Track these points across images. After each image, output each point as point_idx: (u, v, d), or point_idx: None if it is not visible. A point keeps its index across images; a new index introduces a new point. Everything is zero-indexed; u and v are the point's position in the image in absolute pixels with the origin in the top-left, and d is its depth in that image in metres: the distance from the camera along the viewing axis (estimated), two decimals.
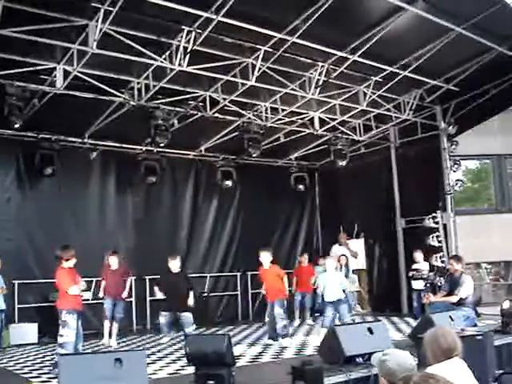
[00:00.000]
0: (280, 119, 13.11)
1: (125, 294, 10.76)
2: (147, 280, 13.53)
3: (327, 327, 10.28)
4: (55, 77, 9.71)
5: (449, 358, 3.76)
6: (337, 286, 10.41)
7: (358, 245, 15.73)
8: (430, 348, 3.85)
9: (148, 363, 6.74)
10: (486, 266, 17.68)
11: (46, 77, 9.91)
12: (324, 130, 13.96)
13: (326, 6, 8.53)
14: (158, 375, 7.64)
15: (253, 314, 15.19)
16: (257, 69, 10.39)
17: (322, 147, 15.19)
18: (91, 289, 10.83)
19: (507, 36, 10.52)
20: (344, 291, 10.66)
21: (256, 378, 7.28)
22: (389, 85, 12.04)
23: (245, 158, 14.37)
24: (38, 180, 12.59)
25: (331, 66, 11.06)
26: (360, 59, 10.65)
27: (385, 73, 11.57)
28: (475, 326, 8.86)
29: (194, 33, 9.15)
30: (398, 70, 11.43)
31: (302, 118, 13.51)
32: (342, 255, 13.52)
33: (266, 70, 10.60)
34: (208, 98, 11.77)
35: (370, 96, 12.36)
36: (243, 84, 10.98)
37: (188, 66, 9.69)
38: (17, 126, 9.97)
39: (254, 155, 13.01)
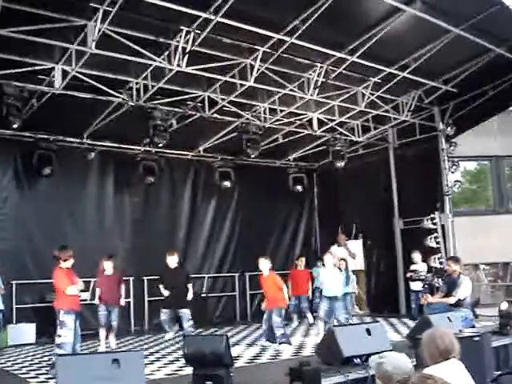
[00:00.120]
0: (278, 120, 13.11)
1: (122, 302, 10.55)
2: (145, 280, 13.52)
3: (322, 318, 10.47)
4: (53, 77, 9.71)
5: (446, 359, 3.76)
6: (334, 283, 10.50)
7: (356, 246, 15.71)
8: (428, 349, 3.85)
9: (146, 364, 6.74)
10: (484, 267, 17.70)
11: (44, 77, 9.90)
12: (322, 131, 13.97)
13: (324, 7, 8.54)
14: (155, 376, 7.63)
15: (251, 315, 15.18)
16: (255, 69, 10.39)
17: (320, 148, 15.20)
18: (89, 289, 10.79)
19: (506, 37, 10.53)
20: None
21: (254, 378, 7.27)
22: (387, 86, 12.05)
23: (243, 158, 14.39)
24: (35, 180, 12.57)
25: (330, 67, 11.06)
26: (359, 60, 10.65)
27: (383, 74, 11.58)
28: (473, 327, 8.85)
29: (192, 33, 9.15)
30: (396, 71, 11.44)
31: (300, 119, 13.52)
32: (342, 259, 13.53)
33: (265, 71, 10.60)
34: (206, 99, 11.77)
35: (369, 97, 12.37)
36: (242, 85, 10.98)
37: (187, 66, 9.68)
38: (15, 126, 9.96)
39: (252, 156, 13.01)
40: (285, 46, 9.75)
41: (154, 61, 9.57)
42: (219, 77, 10.78)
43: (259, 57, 10.16)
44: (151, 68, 10.07)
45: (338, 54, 10.52)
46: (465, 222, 15.22)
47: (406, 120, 13.75)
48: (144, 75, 10.42)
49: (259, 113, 12.84)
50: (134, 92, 10.83)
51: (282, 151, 15.70)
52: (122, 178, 13.84)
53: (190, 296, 11.01)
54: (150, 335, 12.09)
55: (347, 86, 12.14)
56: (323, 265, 11.11)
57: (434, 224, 13.69)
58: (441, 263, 13.14)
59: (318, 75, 11.16)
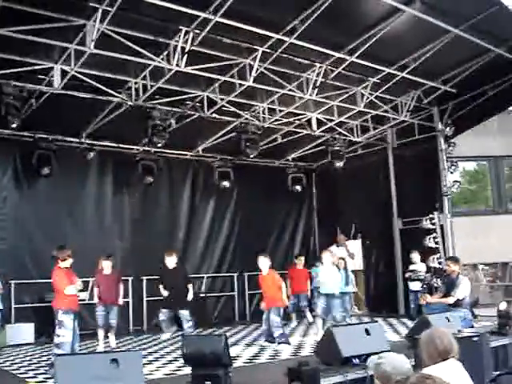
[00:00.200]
0: (277, 120, 13.11)
1: (120, 302, 10.54)
2: (144, 280, 13.53)
3: (319, 316, 10.54)
4: (53, 76, 9.70)
5: (445, 359, 3.76)
6: (332, 280, 10.55)
7: (355, 246, 15.72)
8: (426, 349, 3.85)
9: (144, 364, 6.74)
10: (483, 267, 17.72)
11: (43, 76, 9.90)
12: (321, 131, 13.97)
13: (324, 7, 8.55)
14: (154, 376, 7.62)
15: (250, 315, 15.18)
16: (254, 69, 10.39)
17: (319, 148, 15.20)
18: (88, 289, 10.78)
19: (505, 37, 10.54)
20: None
21: (253, 378, 7.27)
22: (386, 86, 12.05)
23: (242, 158, 14.38)
24: (35, 180, 12.57)
25: (329, 67, 11.06)
26: (358, 60, 10.66)
27: (382, 74, 11.58)
28: (472, 327, 8.86)
29: (191, 33, 9.15)
30: (395, 72, 11.44)
31: (299, 119, 13.52)
32: (341, 258, 13.54)
33: (264, 71, 10.60)
34: (205, 99, 11.77)
35: (368, 97, 12.37)
36: (241, 84, 10.98)
37: (186, 66, 9.68)
38: (14, 125, 9.95)
39: (251, 156, 13.00)
40: (284, 46, 9.76)
41: (153, 61, 9.57)
42: (218, 77, 10.78)
43: (258, 57, 10.16)
44: (150, 68, 10.08)
45: (337, 54, 10.52)
46: (464, 222, 15.24)
47: (405, 120, 13.75)
48: (143, 75, 10.42)
49: (258, 113, 12.84)
50: (133, 92, 10.83)
51: (281, 151, 15.71)
52: (120, 177, 13.85)
53: (189, 297, 10.99)
54: (149, 335, 12.09)
55: (346, 86, 12.14)
56: (321, 263, 11.15)
57: (433, 224, 13.69)
58: (440, 263, 13.15)
59: (317, 75, 11.16)
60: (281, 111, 12.79)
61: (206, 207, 15.37)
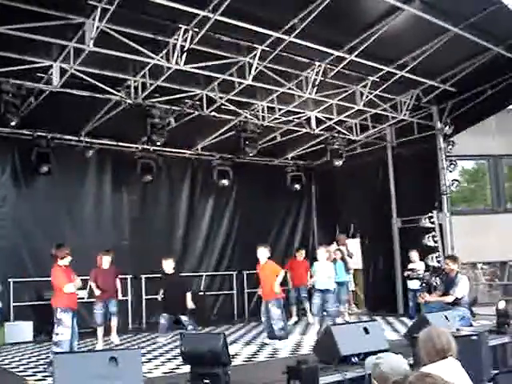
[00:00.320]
0: (277, 118, 13.11)
1: (119, 295, 10.53)
2: (143, 279, 13.53)
3: (315, 314, 10.60)
4: (51, 74, 9.70)
5: (443, 358, 3.76)
6: (326, 276, 10.60)
7: (353, 244, 15.73)
8: (425, 348, 3.85)
9: (143, 362, 6.73)
10: (481, 266, 17.72)
11: (42, 74, 9.88)
12: (321, 130, 13.97)
13: (323, 6, 8.54)
14: (153, 374, 7.64)
15: (248, 314, 15.19)
16: (254, 68, 10.38)
17: (318, 147, 15.20)
18: (86, 287, 10.77)
19: (504, 37, 10.53)
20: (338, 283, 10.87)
21: (251, 377, 7.27)
22: (386, 85, 12.06)
23: (241, 157, 14.38)
24: (33, 178, 12.56)
25: (328, 66, 11.06)
26: (357, 59, 10.66)
27: (381, 73, 11.58)
28: (470, 326, 8.87)
29: (191, 31, 9.13)
30: (394, 70, 11.45)
31: (298, 118, 13.52)
32: (337, 249, 13.55)
33: (263, 69, 10.60)
34: (205, 97, 11.76)
35: (367, 96, 12.36)
36: (240, 83, 10.97)
37: (185, 64, 9.67)
38: (13, 123, 9.92)
39: (250, 154, 13.00)
40: (283, 45, 9.76)
41: (153, 59, 9.56)
42: (217, 75, 10.78)
43: (257, 55, 10.15)
44: (149, 66, 10.07)
45: (337, 53, 10.52)
46: (463, 221, 15.22)
47: (404, 119, 13.76)
48: (142, 73, 10.41)
49: (257, 111, 12.84)
50: (132, 90, 10.82)
51: (281, 150, 15.70)
52: (119, 176, 13.84)
53: (189, 304, 10.63)
54: (148, 333, 12.08)
55: (345, 85, 12.13)
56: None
57: (432, 223, 13.69)
58: (439, 262, 13.15)
59: (317, 74, 11.16)
60: (280, 110, 12.79)
61: (205, 206, 15.37)
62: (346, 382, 6.31)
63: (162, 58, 9.57)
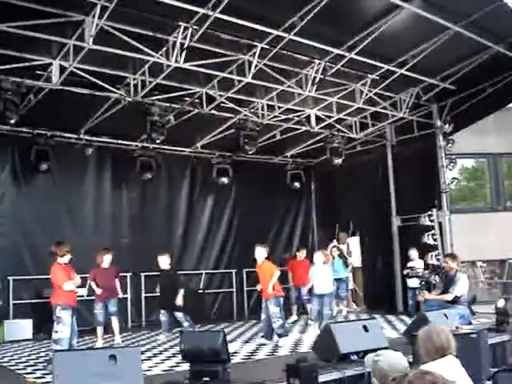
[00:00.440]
0: (276, 116, 13.11)
1: (120, 294, 10.44)
2: (142, 276, 13.53)
3: (314, 319, 10.68)
4: (51, 72, 9.69)
5: (442, 356, 3.76)
6: (324, 279, 10.64)
7: (353, 243, 15.74)
8: (424, 346, 3.85)
9: (143, 360, 6.74)
10: (481, 264, 17.73)
11: (41, 72, 9.87)
12: (320, 128, 13.97)
13: (323, 4, 8.52)
14: (152, 372, 7.64)
15: (248, 311, 15.19)
16: (253, 66, 10.37)
17: (318, 145, 15.20)
18: (86, 285, 10.77)
19: (504, 35, 10.53)
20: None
21: (251, 374, 7.25)
22: (385, 83, 12.05)
23: (241, 155, 14.37)
24: (33, 176, 12.55)
25: (328, 64, 11.05)
26: (357, 57, 10.65)
27: (381, 71, 11.57)
28: (470, 324, 8.88)
29: (190, 29, 9.12)
30: (394, 68, 11.44)
31: (298, 116, 13.51)
32: (334, 246, 13.52)
33: (263, 67, 10.59)
34: (204, 95, 11.75)
35: (367, 94, 12.36)
36: (240, 81, 10.96)
37: (184, 62, 9.66)
38: (12, 121, 9.92)
39: (250, 152, 12.99)
40: (283, 43, 9.74)
41: (152, 56, 9.55)
42: (217, 73, 10.77)
43: (257, 53, 10.14)
44: (149, 64, 10.06)
45: (336, 51, 10.51)
46: (462, 220, 15.23)
47: (403, 117, 13.74)
48: (142, 71, 10.40)
49: (257, 109, 12.83)
50: (132, 88, 10.81)
51: (280, 148, 15.69)
52: (119, 174, 13.83)
53: (179, 301, 10.63)
54: (148, 331, 12.08)
55: (345, 83, 12.12)
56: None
57: (432, 221, 13.68)
58: (438, 260, 13.15)
59: (316, 72, 11.15)
60: (280, 108, 12.78)
61: (204, 204, 15.36)
62: (346, 379, 6.31)
63: (161, 55, 9.56)
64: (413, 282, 12.92)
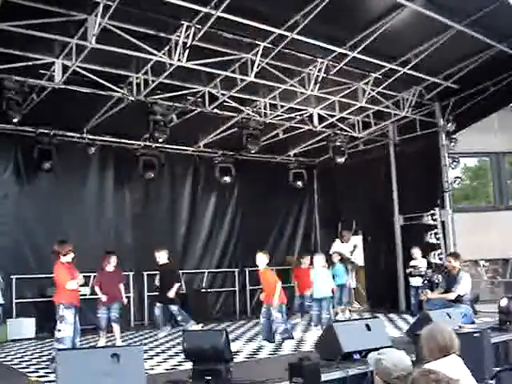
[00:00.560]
0: (279, 115, 13.10)
1: (124, 300, 10.36)
2: (145, 275, 13.53)
3: (316, 324, 10.72)
4: (54, 71, 9.70)
5: (446, 355, 3.76)
6: (323, 283, 10.64)
7: (356, 241, 15.72)
8: (427, 345, 3.85)
9: (145, 359, 6.74)
10: (483, 263, 17.70)
11: (44, 71, 9.87)
12: (323, 127, 13.96)
13: (325, 2, 8.51)
14: (155, 371, 7.64)
15: (251, 310, 15.19)
16: (256, 64, 10.37)
17: (320, 144, 15.18)
18: (89, 284, 10.78)
19: (507, 33, 10.50)
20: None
21: (253, 373, 7.25)
22: (388, 82, 12.04)
23: (243, 153, 14.38)
24: (35, 175, 12.57)
25: (330, 63, 11.04)
26: (359, 56, 10.63)
27: (384, 70, 11.56)
28: (473, 323, 8.86)
29: (193, 28, 9.13)
30: (397, 67, 11.42)
31: (300, 115, 13.51)
32: (335, 253, 13.51)
33: (265, 66, 10.58)
34: (207, 94, 11.76)
35: (369, 93, 12.35)
36: (242, 80, 10.95)
37: (187, 61, 9.66)
38: (15, 120, 9.93)
39: (252, 151, 12.99)
40: (285, 41, 9.74)
41: (155, 55, 9.55)
42: (220, 72, 10.77)
43: (260, 52, 10.14)
44: (151, 63, 10.07)
45: (339, 50, 10.50)
46: (465, 219, 15.21)
47: (406, 116, 13.73)
48: (144, 70, 10.41)
49: (260, 108, 12.82)
50: (135, 87, 10.82)
51: (283, 147, 15.68)
52: (122, 173, 13.85)
53: (170, 293, 10.66)
54: (150, 330, 12.09)
55: (348, 82, 12.12)
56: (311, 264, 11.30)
57: (434, 220, 13.68)
58: (441, 259, 13.14)
59: (319, 70, 11.14)
60: (282, 107, 12.78)
61: (207, 203, 15.38)
62: (348, 378, 6.31)
63: (164, 54, 9.56)
64: (415, 281, 12.89)
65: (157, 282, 11.42)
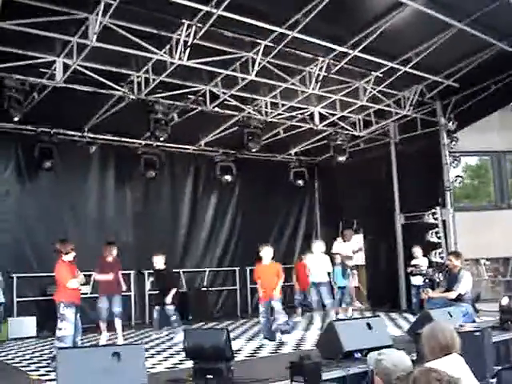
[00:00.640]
0: (280, 114, 13.09)
1: (124, 288, 10.41)
2: (146, 274, 13.53)
3: (316, 309, 10.74)
4: (55, 70, 9.70)
5: (447, 354, 3.75)
6: (320, 268, 10.66)
7: (357, 240, 15.72)
8: (428, 344, 3.84)
9: (146, 357, 6.74)
10: (484, 262, 17.69)
11: (45, 70, 9.88)
12: (324, 126, 13.95)
13: (326, 1, 8.51)
14: (156, 369, 7.64)
15: (252, 309, 15.18)
16: (257, 63, 10.36)
17: (321, 142, 15.19)
18: (90, 282, 10.78)
19: (508, 32, 10.50)
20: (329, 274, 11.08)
21: (254, 372, 7.25)
22: (389, 80, 12.02)
23: (244, 152, 14.37)
24: (36, 173, 12.58)
25: (331, 61, 11.03)
26: (360, 54, 10.63)
27: (385, 68, 11.55)
28: (474, 322, 8.84)
29: (194, 27, 9.12)
30: (398, 66, 11.41)
31: (301, 113, 13.50)
32: (337, 254, 13.51)
33: (267, 65, 10.58)
34: (208, 93, 11.75)
35: (370, 91, 12.34)
36: (243, 78, 10.96)
37: (188, 59, 9.66)
38: (16, 119, 9.95)
39: (253, 150, 12.99)
40: (287, 40, 9.72)
41: (156, 54, 9.55)
42: (221, 70, 10.76)
43: (261, 50, 10.13)
44: (152, 61, 10.06)
45: (340, 48, 10.49)
46: (466, 217, 15.18)
47: (407, 115, 13.71)
48: (145, 69, 10.40)
49: (260, 107, 12.82)
50: (136, 85, 10.81)
51: (284, 145, 15.68)
52: (123, 171, 13.86)
53: (168, 299, 10.56)
54: (151, 329, 12.08)
55: (349, 81, 12.11)
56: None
57: (435, 219, 13.68)
58: (442, 258, 13.14)
59: (320, 69, 11.13)
60: (283, 105, 12.77)
61: (208, 201, 15.38)
62: (349, 377, 6.30)
63: (165, 53, 9.56)
64: (416, 280, 12.89)
65: (149, 286, 11.34)
